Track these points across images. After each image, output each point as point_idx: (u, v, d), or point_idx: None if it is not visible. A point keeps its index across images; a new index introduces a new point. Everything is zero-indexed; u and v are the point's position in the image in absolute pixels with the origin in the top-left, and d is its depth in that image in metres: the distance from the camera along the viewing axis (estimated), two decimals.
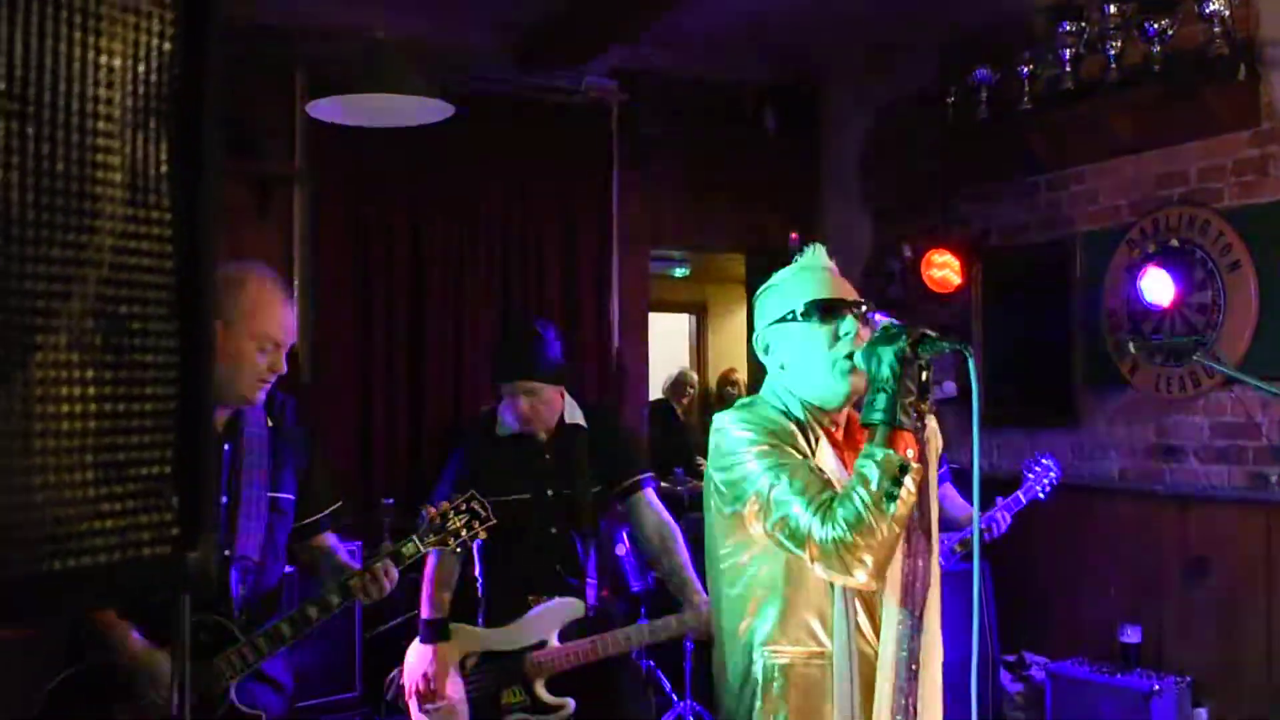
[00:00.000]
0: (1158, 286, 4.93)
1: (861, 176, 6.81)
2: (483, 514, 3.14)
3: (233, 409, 2.81)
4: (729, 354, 9.92)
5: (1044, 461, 4.55)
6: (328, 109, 4.13)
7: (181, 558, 0.86)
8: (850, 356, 2.23)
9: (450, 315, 5.98)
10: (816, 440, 2.28)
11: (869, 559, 2.05)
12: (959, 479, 4.55)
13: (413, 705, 3.79)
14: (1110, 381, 5.36)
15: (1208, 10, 4.63)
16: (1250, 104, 4.76)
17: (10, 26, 0.76)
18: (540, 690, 3.72)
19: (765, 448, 2.20)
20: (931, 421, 2.21)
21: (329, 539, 3.07)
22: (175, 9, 0.87)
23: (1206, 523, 5.02)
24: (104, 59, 0.82)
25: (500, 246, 6.13)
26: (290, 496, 2.93)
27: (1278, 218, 4.72)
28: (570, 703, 3.72)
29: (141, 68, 0.87)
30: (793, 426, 2.27)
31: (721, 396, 9.22)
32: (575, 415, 3.94)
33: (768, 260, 7.37)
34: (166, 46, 0.87)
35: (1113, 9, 5.01)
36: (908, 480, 2.05)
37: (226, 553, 2.73)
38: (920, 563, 2.24)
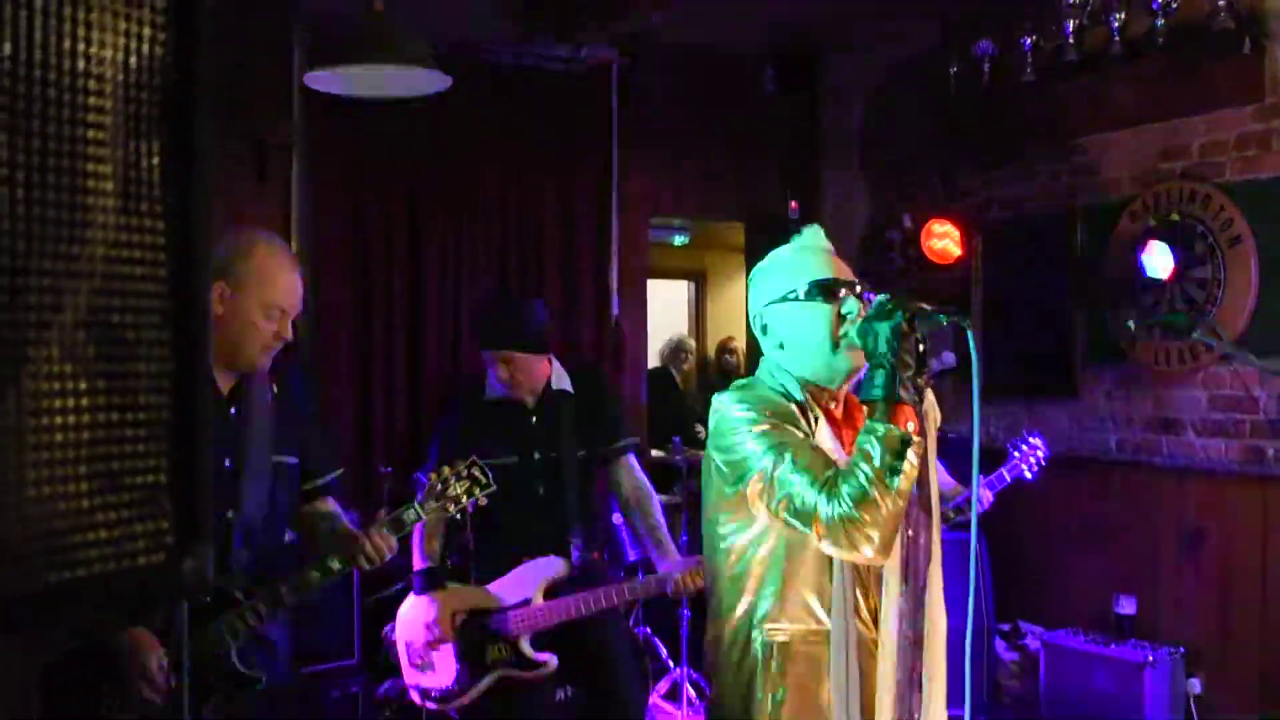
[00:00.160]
0: (1158, 260, 4.92)
1: (862, 146, 6.78)
2: (483, 480, 3.17)
3: (239, 374, 2.83)
4: (728, 322, 9.91)
5: (1031, 440, 4.37)
6: (325, 80, 4.10)
7: (177, 566, 0.86)
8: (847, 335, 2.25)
9: (449, 282, 5.98)
10: (815, 420, 2.29)
11: (875, 534, 2.07)
12: (952, 449, 4.52)
13: (404, 663, 3.87)
14: (1109, 354, 5.36)
15: None
16: (1254, 78, 4.73)
17: None
18: (525, 647, 3.82)
19: (766, 427, 2.21)
20: (929, 395, 2.23)
21: (331, 504, 3.10)
22: (166, 12, 0.86)
23: (1203, 495, 5.03)
24: (95, 67, 0.82)
25: (499, 215, 6.11)
26: (294, 461, 2.96)
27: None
28: (553, 659, 3.83)
29: (133, 72, 0.86)
30: (792, 407, 2.28)
31: (720, 365, 9.21)
32: (563, 381, 4.05)
33: (767, 228, 7.40)
34: (158, 51, 0.86)
35: None
36: (910, 454, 2.07)
37: (230, 515, 2.75)
38: (921, 537, 2.26)
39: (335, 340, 5.75)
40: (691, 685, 5.42)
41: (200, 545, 0.88)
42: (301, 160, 5.70)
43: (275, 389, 2.92)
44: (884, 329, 2.11)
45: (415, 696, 3.92)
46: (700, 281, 10.58)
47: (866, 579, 2.25)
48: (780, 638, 2.27)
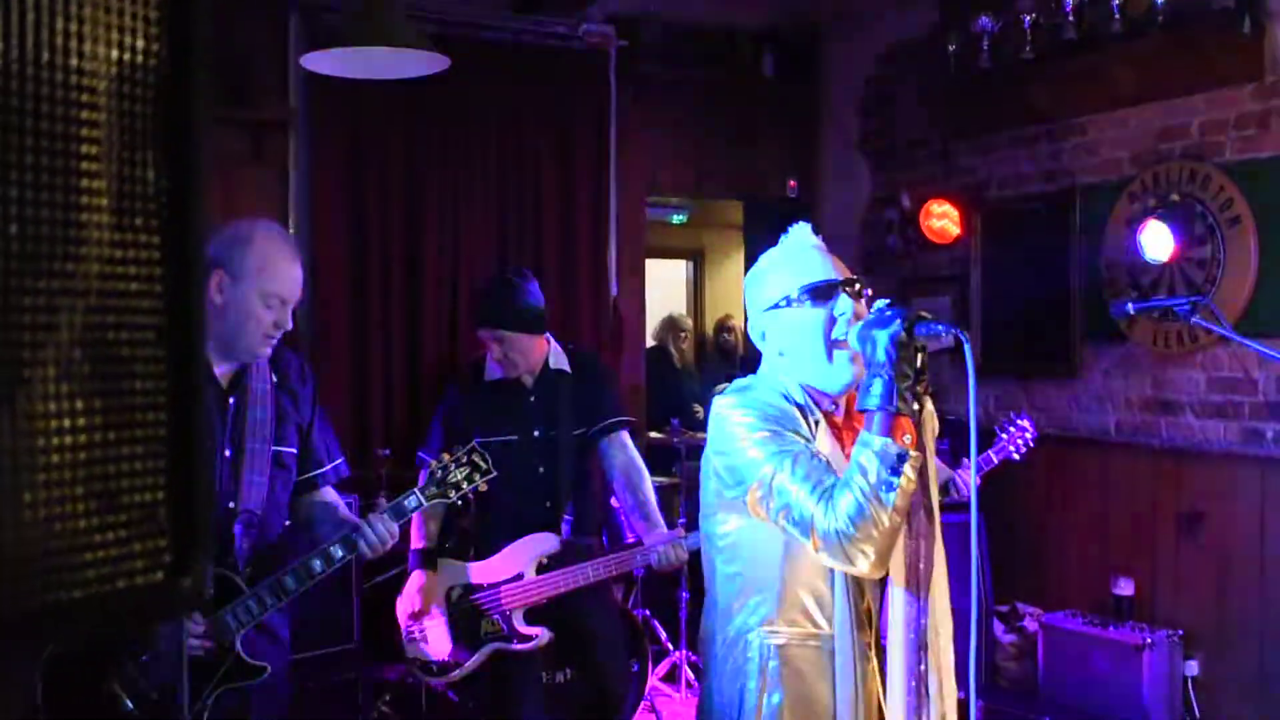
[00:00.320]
0: (1157, 240, 4.91)
1: (861, 124, 6.75)
2: (484, 466, 3.18)
3: (239, 364, 2.83)
4: (726, 300, 9.89)
5: (1019, 421, 4.35)
6: (322, 61, 4.07)
7: (175, 584, 0.85)
8: (846, 339, 2.22)
9: (447, 263, 5.95)
10: (816, 424, 2.27)
11: (870, 549, 2.06)
12: (949, 429, 4.51)
13: (403, 637, 3.97)
14: (1108, 334, 5.36)
15: None
16: (1254, 57, 4.70)
17: None
18: (517, 621, 3.88)
19: (766, 434, 2.20)
20: (928, 404, 2.20)
21: (330, 493, 3.10)
22: (160, 23, 0.85)
23: (1201, 477, 5.03)
24: (88, 79, 0.80)
25: (497, 194, 6.08)
26: (293, 451, 2.96)
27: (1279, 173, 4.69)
28: (545, 633, 3.90)
29: (127, 81, 0.84)
30: (794, 410, 2.26)
31: (719, 343, 9.19)
32: (561, 361, 4.10)
33: (766, 207, 7.35)
34: (153, 63, 0.85)
35: None
36: (906, 468, 2.04)
37: (231, 505, 2.76)
38: (923, 544, 2.25)
39: (333, 321, 5.73)
40: (690, 668, 5.44)
41: (198, 562, 0.87)
42: (298, 140, 5.67)
43: (274, 378, 2.92)
44: (883, 337, 2.08)
45: (416, 672, 4.01)
46: (699, 260, 10.55)
47: (863, 581, 2.24)
48: (778, 641, 2.26)
